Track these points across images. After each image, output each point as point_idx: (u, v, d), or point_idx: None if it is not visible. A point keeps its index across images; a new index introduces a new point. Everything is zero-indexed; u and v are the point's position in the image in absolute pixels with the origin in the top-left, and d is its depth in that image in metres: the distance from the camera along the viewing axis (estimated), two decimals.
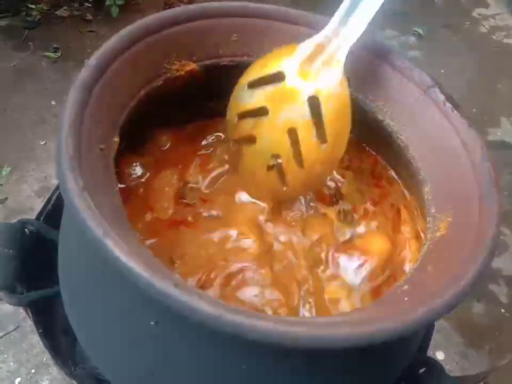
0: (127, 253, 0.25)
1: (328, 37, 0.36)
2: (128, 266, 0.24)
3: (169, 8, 0.40)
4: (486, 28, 1.67)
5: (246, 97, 0.38)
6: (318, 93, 0.36)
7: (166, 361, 0.30)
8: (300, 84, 0.36)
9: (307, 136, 0.36)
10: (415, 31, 1.57)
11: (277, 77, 0.37)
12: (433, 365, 0.41)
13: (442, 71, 1.41)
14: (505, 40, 1.64)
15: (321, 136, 0.36)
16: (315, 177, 0.39)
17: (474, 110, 1.35)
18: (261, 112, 0.38)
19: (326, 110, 0.36)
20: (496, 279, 1.04)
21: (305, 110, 0.36)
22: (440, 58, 1.49)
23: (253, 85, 0.38)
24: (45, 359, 0.83)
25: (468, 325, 0.97)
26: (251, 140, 0.39)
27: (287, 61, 0.37)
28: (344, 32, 0.36)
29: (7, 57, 1.23)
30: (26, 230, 0.44)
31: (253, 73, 0.38)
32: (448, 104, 0.37)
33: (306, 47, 0.37)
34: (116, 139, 0.33)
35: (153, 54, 0.37)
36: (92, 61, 0.32)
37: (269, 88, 0.37)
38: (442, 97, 0.37)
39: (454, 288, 0.28)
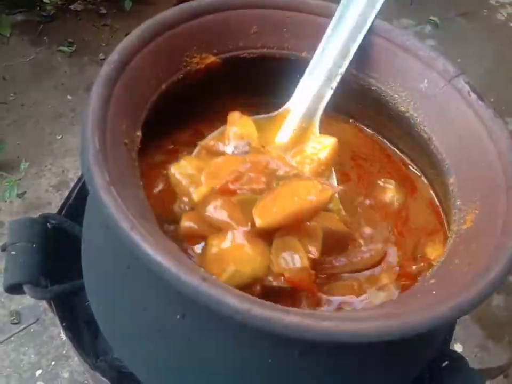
0: (155, 247, 0.25)
1: None
2: (157, 260, 0.24)
3: (182, 1, 0.40)
4: (504, 16, 1.63)
5: None
6: None
7: (192, 354, 0.30)
8: None
9: None
10: (431, 20, 1.54)
11: None
12: (457, 359, 0.41)
13: (459, 60, 1.38)
14: None
15: None
16: None
17: (492, 100, 1.32)
18: None
19: None
20: None
21: None
22: (456, 48, 1.47)
23: None
24: (64, 351, 0.84)
25: (487, 317, 0.96)
26: None
27: None
28: None
29: (23, 52, 1.24)
30: (48, 224, 0.44)
31: None
32: (473, 94, 0.36)
33: None
34: (139, 133, 0.33)
35: (174, 47, 0.37)
36: (114, 56, 0.32)
37: None
38: (467, 87, 0.36)
39: (483, 281, 0.27)
